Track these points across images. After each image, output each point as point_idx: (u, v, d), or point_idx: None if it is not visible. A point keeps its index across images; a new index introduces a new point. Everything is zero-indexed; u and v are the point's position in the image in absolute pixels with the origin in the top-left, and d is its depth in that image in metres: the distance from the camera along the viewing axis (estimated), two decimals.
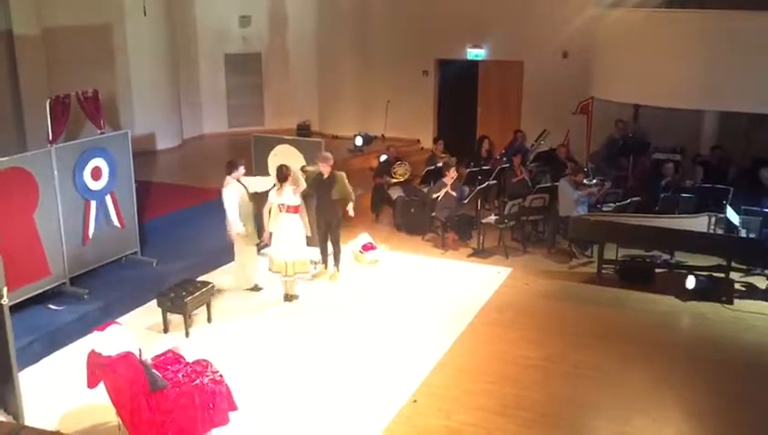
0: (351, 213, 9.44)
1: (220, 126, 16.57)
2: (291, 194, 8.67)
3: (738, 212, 9.54)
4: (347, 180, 9.37)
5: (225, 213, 8.79)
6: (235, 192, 8.75)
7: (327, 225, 9.41)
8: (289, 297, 8.87)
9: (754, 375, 7.38)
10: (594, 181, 10.66)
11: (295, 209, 8.75)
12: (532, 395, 6.87)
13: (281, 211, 8.72)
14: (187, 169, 13.95)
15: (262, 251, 9.47)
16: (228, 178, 8.80)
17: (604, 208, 10.44)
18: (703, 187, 10.84)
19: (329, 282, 9.47)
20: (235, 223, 8.73)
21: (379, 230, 11.28)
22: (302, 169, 9.29)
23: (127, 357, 5.82)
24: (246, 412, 6.41)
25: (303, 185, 8.82)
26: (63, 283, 8.71)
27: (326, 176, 9.25)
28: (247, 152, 10.42)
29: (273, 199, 8.76)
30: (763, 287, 9.21)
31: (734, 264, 9.26)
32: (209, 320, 8.31)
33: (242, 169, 8.87)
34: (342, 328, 8.17)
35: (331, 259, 9.58)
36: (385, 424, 6.40)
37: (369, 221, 11.83)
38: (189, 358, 6.53)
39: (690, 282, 9.04)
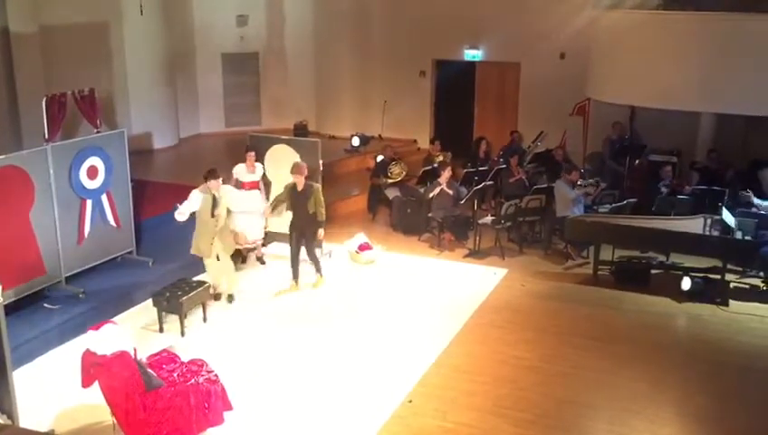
0: (321, 237, 9.15)
1: (217, 125, 16.57)
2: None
3: (734, 214, 9.55)
4: (322, 196, 9.00)
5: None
6: (197, 198, 8.33)
7: (300, 238, 8.96)
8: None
9: (750, 377, 7.39)
10: (590, 182, 10.68)
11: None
12: (528, 396, 6.87)
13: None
14: (183, 168, 13.92)
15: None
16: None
17: (600, 210, 10.45)
18: (699, 188, 10.86)
19: (312, 289, 9.12)
20: (178, 212, 8.32)
21: (375, 230, 11.27)
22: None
23: (122, 356, 5.81)
24: (241, 412, 6.41)
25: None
26: (59, 282, 8.71)
27: (300, 188, 8.83)
28: (244, 152, 10.38)
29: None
30: (759, 289, 9.23)
31: (729, 265, 9.28)
32: (205, 320, 8.29)
33: (213, 182, 8.25)
34: (338, 328, 8.16)
35: (304, 271, 9.22)
36: (380, 424, 6.39)
37: (365, 221, 11.84)
38: (185, 357, 6.53)
39: (686, 283, 9.06)
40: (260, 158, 9.93)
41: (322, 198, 9.02)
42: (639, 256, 10.09)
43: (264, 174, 9.96)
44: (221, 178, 8.42)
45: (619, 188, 11.59)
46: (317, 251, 9.39)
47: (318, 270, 9.25)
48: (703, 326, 8.46)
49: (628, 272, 9.66)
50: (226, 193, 8.55)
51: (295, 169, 8.88)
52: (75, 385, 6.05)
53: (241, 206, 8.82)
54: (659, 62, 11.21)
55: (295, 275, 9.10)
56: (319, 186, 9.12)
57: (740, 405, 6.86)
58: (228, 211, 8.64)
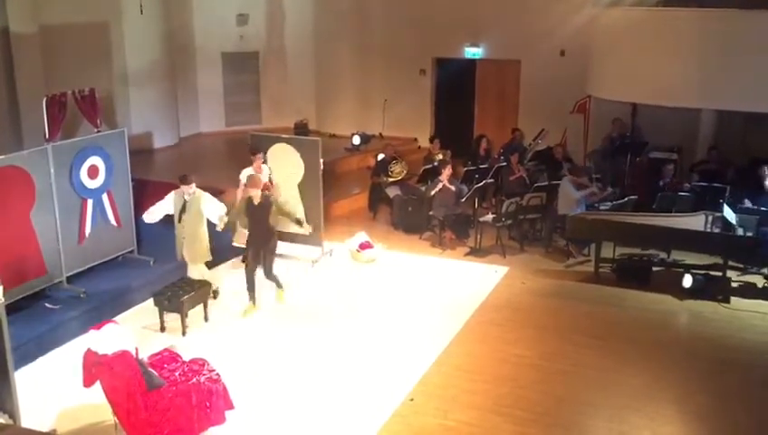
0: (309, 231, 8.94)
1: (217, 124, 16.56)
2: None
3: (735, 211, 9.55)
4: (281, 201, 8.85)
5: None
6: (170, 199, 8.46)
7: (256, 255, 8.49)
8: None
9: (751, 374, 7.38)
10: (598, 184, 10.66)
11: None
12: (529, 394, 6.87)
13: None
14: (183, 167, 13.85)
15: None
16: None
17: (601, 207, 10.44)
18: (700, 185, 10.85)
19: (277, 304, 8.74)
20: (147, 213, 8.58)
21: (376, 229, 11.27)
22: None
23: (123, 356, 5.82)
24: (243, 411, 6.42)
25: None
26: (60, 281, 8.71)
27: (257, 202, 8.36)
28: (244, 151, 10.39)
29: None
30: (760, 286, 9.22)
31: (730, 262, 9.27)
32: (206, 319, 8.29)
33: (185, 188, 8.29)
34: (339, 327, 8.17)
35: (263, 289, 8.81)
36: (382, 423, 6.40)
37: (366, 220, 11.84)
38: (186, 357, 6.53)
39: (687, 280, 9.06)
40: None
41: (283, 205, 8.86)
42: (640, 253, 10.09)
43: (270, 176, 9.90)
44: (193, 184, 8.34)
45: (620, 186, 11.58)
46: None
47: (279, 285, 8.75)
48: (704, 324, 8.46)
49: (629, 269, 9.66)
50: (203, 201, 8.39)
51: (251, 183, 8.51)
52: (77, 385, 6.05)
53: (213, 216, 8.49)
54: (660, 58, 11.20)
55: (252, 297, 8.56)
56: (277, 196, 8.95)
57: (741, 403, 6.84)
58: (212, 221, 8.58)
